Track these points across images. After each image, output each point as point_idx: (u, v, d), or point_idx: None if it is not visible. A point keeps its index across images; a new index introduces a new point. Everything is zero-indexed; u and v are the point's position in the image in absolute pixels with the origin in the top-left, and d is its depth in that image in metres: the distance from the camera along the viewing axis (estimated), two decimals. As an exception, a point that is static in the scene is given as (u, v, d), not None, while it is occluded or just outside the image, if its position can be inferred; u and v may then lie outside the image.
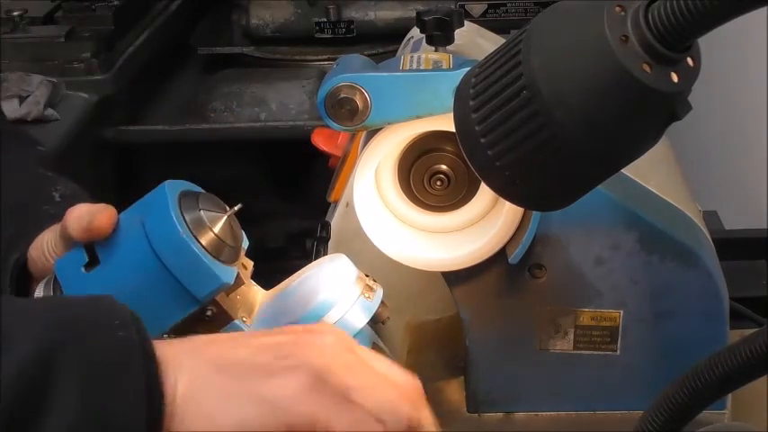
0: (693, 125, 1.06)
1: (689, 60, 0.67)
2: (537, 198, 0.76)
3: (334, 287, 0.91)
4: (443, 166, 0.96)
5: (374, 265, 0.98)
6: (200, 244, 0.87)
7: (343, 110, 0.91)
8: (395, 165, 0.98)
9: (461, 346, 1.03)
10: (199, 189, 0.92)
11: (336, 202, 1.13)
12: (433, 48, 0.97)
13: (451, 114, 0.76)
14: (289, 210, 1.96)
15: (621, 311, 0.99)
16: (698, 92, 0.69)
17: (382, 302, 0.94)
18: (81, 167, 1.74)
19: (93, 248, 0.90)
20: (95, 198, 1.08)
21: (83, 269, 0.89)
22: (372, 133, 0.94)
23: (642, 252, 0.96)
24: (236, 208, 0.90)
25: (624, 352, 1.00)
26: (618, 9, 0.66)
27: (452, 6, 0.98)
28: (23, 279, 0.94)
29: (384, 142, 0.94)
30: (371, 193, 0.97)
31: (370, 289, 0.93)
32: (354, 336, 0.91)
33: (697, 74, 0.68)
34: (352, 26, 1.95)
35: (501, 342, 1.01)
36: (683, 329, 0.98)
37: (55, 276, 0.92)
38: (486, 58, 0.74)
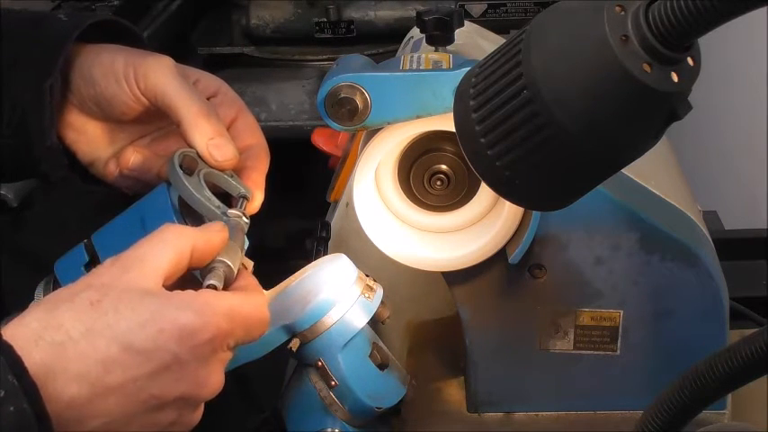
0: (693, 125, 1.07)
1: (689, 60, 0.67)
2: (537, 198, 0.76)
3: (334, 287, 0.91)
4: (443, 166, 0.96)
5: (374, 265, 0.98)
6: (201, 244, 0.87)
7: (343, 110, 0.91)
8: (395, 165, 0.98)
9: (461, 346, 1.03)
10: (199, 189, 0.92)
11: (336, 202, 1.13)
12: (433, 48, 0.97)
13: (451, 114, 0.76)
14: (289, 210, 1.96)
15: (621, 311, 0.99)
16: (698, 92, 0.69)
17: (382, 302, 0.94)
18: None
19: (93, 248, 0.90)
20: (94, 197, 1.08)
21: (83, 269, 0.89)
22: (372, 133, 0.94)
23: (642, 252, 0.96)
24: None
25: (624, 352, 1.00)
26: (618, 9, 0.66)
27: (452, 6, 0.98)
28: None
29: (384, 142, 0.93)
30: (371, 193, 0.97)
31: (370, 289, 0.94)
32: (354, 336, 0.92)
33: (697, 74, 0.68)
34: (352, 26, 1.95)
35: (501, 342, 1.01)
36: (683, 329, 0.98)
37: (55, 277, 0.92)
38: (486, 58, 0.74)
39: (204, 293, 0.75)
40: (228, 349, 0.76)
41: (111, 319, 0.71)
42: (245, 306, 0.77)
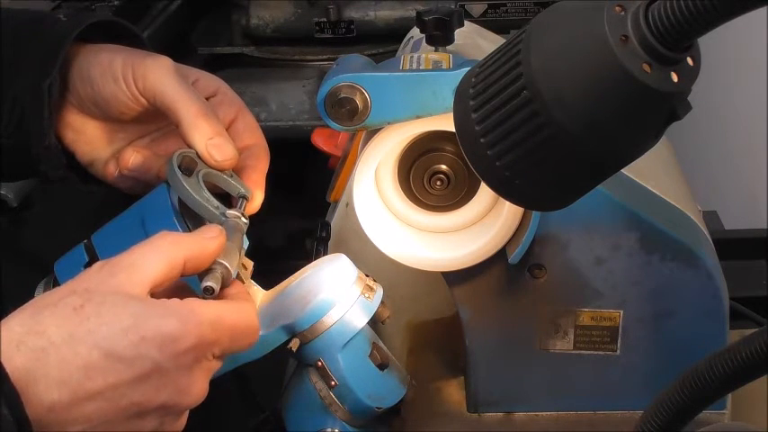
0: (693, 125, 1.07)
1: (689, 60, 0.67)
2: (537, 198, 0.76)
3: (334, 287, 0.91)
4: (443, 166, 0.96)
5: (374, 265, 0.98)
6: (200, 244, 0.87)
7: (343, 110, 0.91)
8: (395, 165, 0.98)
9: (461, 346, 1.03)
10: (199, 189, 0.92)
11: (336, 202, 1.13)
12: (433, 48, 0.97)
13: (451, 114, 0.76)
14: (289, 210, 1.96)
15: (621, 311, 0.99)
16: (698, 92, 0.69)
17: (382, 302, 0.94)
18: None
19: (93, 248, 0.91)
20: (94, 197, 1.08)
21: (83, 269, 0.89)
22: (372, 133, 0.94)
23: (642, 252, 0.96)
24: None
25: (624, 352, 1.00)
26: (618, 9, 0.66)
27: (452, 6, 0.98)
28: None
29: (384, 142, 0.93)
30: (371, 193, 0.97)
31: (370, 289, 0.94)
32: (354, 336, 0.92)
33: (697, 74, 0.68)
34: (352, 26, 1.95)
35: (501, 342, 1.01)
36: (683, 329, 0.98)
37: (55, 277, 0.92)
38: (486, 58, 0.74)
39: (190, 301, 0.75)
40: (214, 358, 0.76)
41: (92, 325, 0.71)
42: (232, 314, 0.76)
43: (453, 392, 1.07)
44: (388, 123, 0.92)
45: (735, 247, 1.37)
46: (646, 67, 0.65)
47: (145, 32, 1.89)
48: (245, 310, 0.78)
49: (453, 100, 0.76)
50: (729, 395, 1.00)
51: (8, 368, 0.67)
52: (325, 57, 1.95)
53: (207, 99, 0.95)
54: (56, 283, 0.91)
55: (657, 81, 0.65)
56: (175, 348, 0.72)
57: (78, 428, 0.70)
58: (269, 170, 0.97)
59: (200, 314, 0.74)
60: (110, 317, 0.71)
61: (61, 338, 0.70)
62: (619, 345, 1.00)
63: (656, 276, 0.97)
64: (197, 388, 0.75)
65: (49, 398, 0.69)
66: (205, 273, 0.78)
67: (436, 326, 1.14)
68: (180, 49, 1.96)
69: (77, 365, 0.70)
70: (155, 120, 0.97)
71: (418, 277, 1.02)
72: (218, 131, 0.91)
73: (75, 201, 1.59)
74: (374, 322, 0.94)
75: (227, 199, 0.91)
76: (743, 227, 1.55)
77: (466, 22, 1.02)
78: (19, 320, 0.71)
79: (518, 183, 0.72)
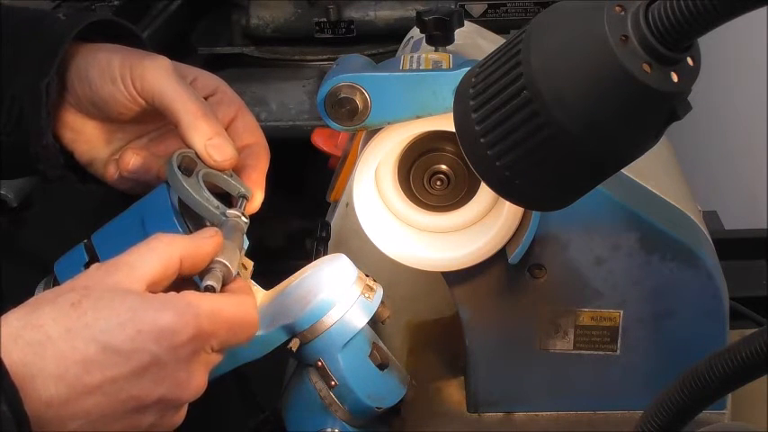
0: (693, 125, 1.07)
1: (689, 60, 0.67)
2: (537, 198, 0.76)
3: (334, 287, 0.91)
4: (443, 166, 0.96)
5: (374, 265, 0.98)
6: (200, 244, 0.87)
7: (343, 110, 0.91)
8: (395, 165, 0.98)
9: (461, 346, 1.03)
10: (199, 189, 0.92)
11: (336, 202, 1.13)
12: (433, 48, 0.97)
13: (451, 114, 0.76)
14: (289, 210, 1.96)
15: (621, 311, 0.99)
16: (698, 92, 0.69)
17: (382, 302, 0.94)
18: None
19: (92, 248, 0.91)
20: (93, 197, 1.08)
21: (83, 269, 0.89)
22: (372, 133, 0.94)
23: (642, 252, 0.96)
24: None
25: (624, 352, 1.00)
26: (618, 9, 0.66)
27: (452, 6, 0.98)
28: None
29: (384, 142, 0.93)
30: (371, 193, 0.97)
31: (370, 289, 0.94)
32: (354, 336, 0.91)
33: (697, 74, 0.68)
34: (352, 26, 1.95)
35: (501, 342, 1.01)
36: (683, 329, 0.98)
37: (55, 277, 0.92)
38: (486, 58, 0.74)
39: (187, 294, 0.75)
40: (213, 351, 0.75)
41: (90, 319, 0.71)
42: (230, 307, 0.76)
43: (453, 392, 1.07)
44: (388, 123, 0.92)
45: (735, 247, 1.37)
46: (646, 67, 0.65)
47: (145, 32, 1.89)
48: (243, 304, 0.78)
49: (453, 100, 0.76)
50: (729, 395, 1.00)
51: (6, 362, 0.67)
52: (325, 57, 1.95)
53: (206, 98, 0.95)
54: (56, 283, 0.91)
55: (657, 81, 0.65)
56: (173, 341, 0.72)
57: (77, 423, 0.70)
58: (269, 170, 0.97)
59: (197, 306, 0.74)
60: (107, 311, 0.71)
61: (58, 333, 0.70)
62: (619, 345, 1.00)
63: (656, 276, 0.97)
64: (196, 381, 0.75)
65: (46, 393, 0.69)
66: (205, 272, 0.78)
67: (436, 326, 1.14)
68: (180, 49, 1.96)
69: (75, 360, 0.70)
70: (153, 120, 0.97)
71: (418, 277, 1.02)
72: (218, 131, 0.91)
73: (75, 201, 1.59)
74: (374, 322, 0.94)
75: (227, 199, 0.91)
76: (743, 227, 1.55)
77: (466, 22, 1.02)
78: (17, 316, 0.71)
79: (518, 183, 0.72)
